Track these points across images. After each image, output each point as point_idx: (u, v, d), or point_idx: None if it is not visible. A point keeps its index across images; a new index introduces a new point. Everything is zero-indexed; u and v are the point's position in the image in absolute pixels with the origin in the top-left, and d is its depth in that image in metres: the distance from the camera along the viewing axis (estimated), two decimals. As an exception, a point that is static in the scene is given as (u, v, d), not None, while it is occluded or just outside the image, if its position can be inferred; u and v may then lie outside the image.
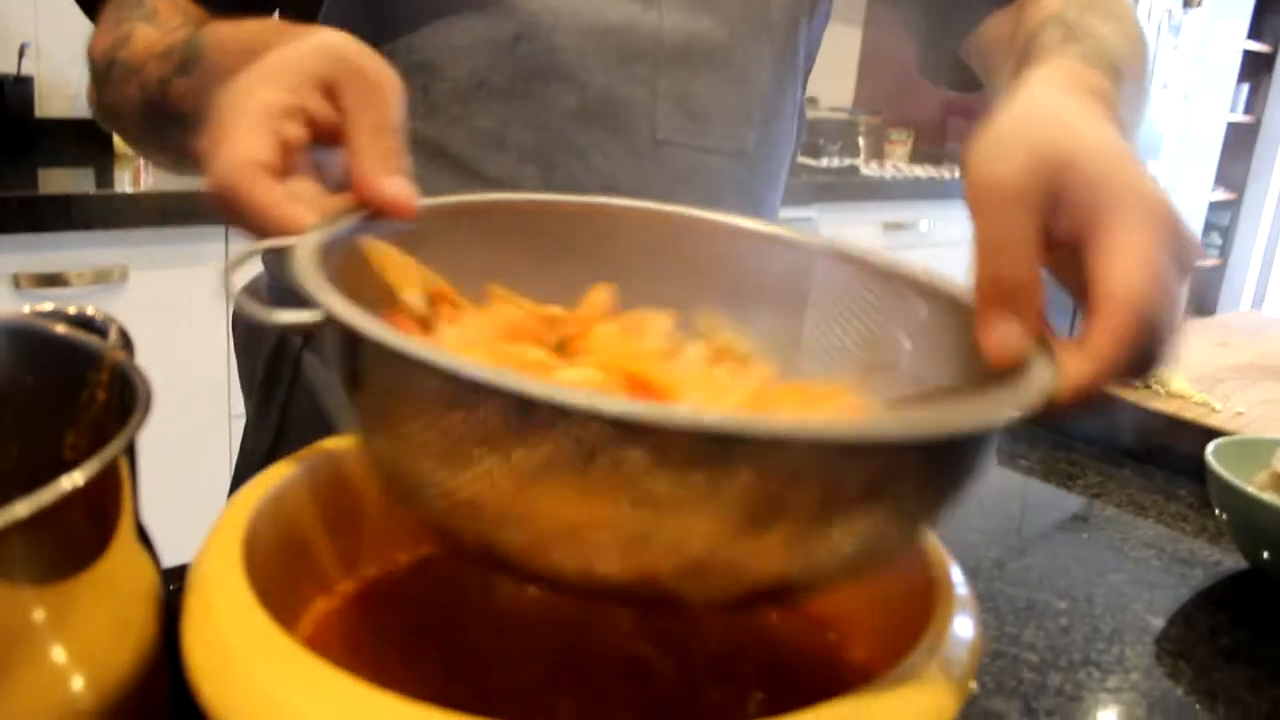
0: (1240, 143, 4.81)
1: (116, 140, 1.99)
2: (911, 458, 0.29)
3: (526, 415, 0.26)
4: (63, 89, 2.07)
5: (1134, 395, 0.83)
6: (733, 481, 0.27)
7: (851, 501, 0.29)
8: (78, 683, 0.29)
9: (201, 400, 1.77)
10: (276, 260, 0.36)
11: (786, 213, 0.77)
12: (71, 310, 0.40)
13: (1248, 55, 4.37)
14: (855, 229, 2.85)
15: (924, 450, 0.29)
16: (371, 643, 0.40)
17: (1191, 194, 4.43)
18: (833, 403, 0.39)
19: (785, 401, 0.39)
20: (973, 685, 0.47)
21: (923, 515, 0.32)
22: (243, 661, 0.29)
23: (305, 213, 0.38)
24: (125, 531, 0.30)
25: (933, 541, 0.40)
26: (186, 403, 1.76)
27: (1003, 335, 0.35)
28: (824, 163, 3.03)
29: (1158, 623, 0.56)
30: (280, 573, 0.37)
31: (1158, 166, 4.02)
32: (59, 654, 0.28)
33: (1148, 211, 0.35)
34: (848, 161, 3.10)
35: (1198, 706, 0.48)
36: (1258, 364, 0.97)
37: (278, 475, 0.40)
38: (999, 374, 0.35)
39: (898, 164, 3.16)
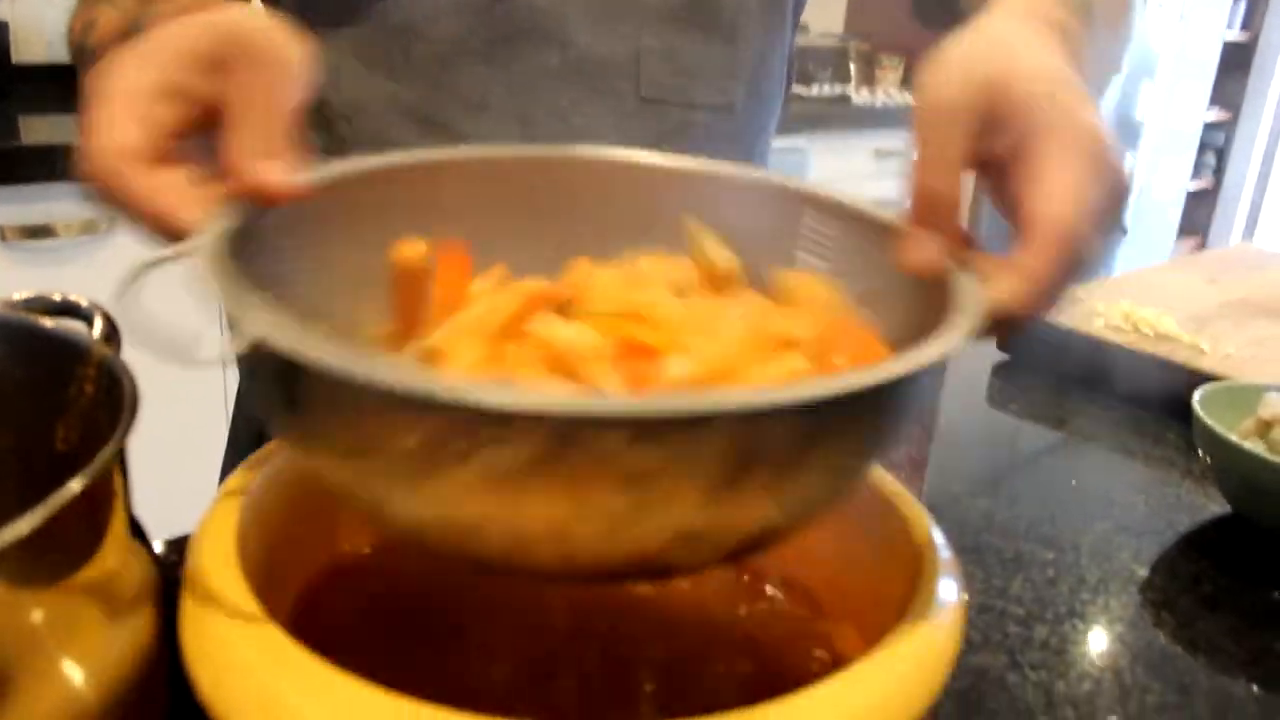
0: (1236, 62, 4.75)
1: (97, 85, 1.95)
2: (871, 400, 0.29)
3: (478, 424, 0.26)
4: (39, 33, 2.03)
5: (1125, 338, 0.83)
6: (698, 452, 0.27)
7: (814, 450, 0.29)
8: (78, 678, 0.29)
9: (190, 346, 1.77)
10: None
11: (777, 143, 0.77)
12: (58, 297, 0.40)
13: (1244, -29, 4.30)
14: (847, 157, 2.83)
15: (882, 390, 0.29)
16: (354, 619, 0.41)
17: (1186, 115, 4.39)
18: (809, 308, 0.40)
19: (773, 325, 0.39)
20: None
21: (885, 442, 0.33)
22: (238, 658, 0.29)
23: (183, 205, 0.35)
24: (119, 530, 0.30)
25: (917, 509, 0.41)
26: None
27: (922, 249, 0.37)
28: (815, 90, 3.00)
29: (1142, 571, 0.57)
30: (270, 555, 0.38)
31: (1153, 87, 3.97)
32: (60, 653, 0.29)
33: (1078, 137, 0.35)
34: (839, 89, 3.06)
35: (1180, 656, 0.50)
36: (1249, 300, 0.98)
37: (264, 461, 0.40)
38: (927, 289, 0.37)
39: (889, 90, 3.12)
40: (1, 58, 1.96)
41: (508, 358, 0.36)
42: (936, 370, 0.33)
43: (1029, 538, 0.59)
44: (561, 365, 0.35)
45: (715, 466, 0.27)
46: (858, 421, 0.30)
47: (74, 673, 0.29)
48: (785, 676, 0.39)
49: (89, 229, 1.62)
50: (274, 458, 0.40)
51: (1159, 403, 0.78)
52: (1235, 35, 4.69)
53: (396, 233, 0.40)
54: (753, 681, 0.38)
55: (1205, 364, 0.78)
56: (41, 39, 2.03)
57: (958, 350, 0.32)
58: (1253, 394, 0.67)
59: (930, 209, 0.37)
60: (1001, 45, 0.38)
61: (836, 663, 0.41)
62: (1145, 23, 3.77)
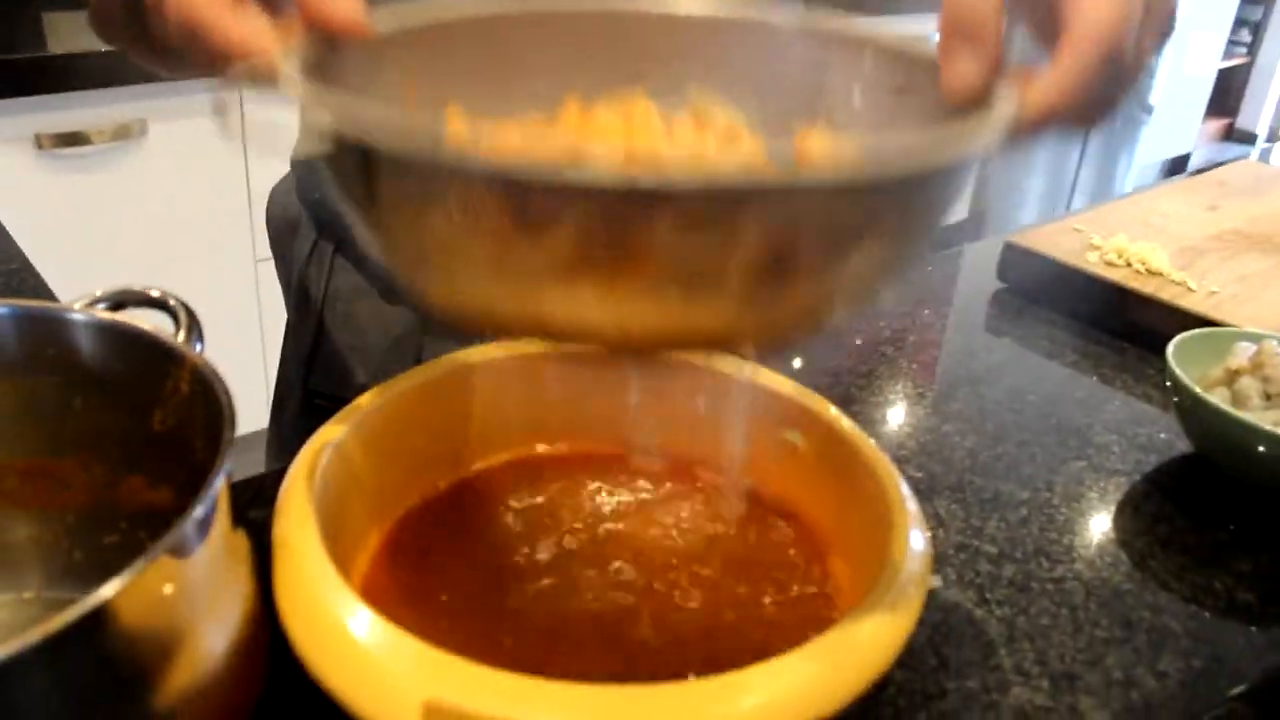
0: (1278, -69, 4.59)
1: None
2: (903, 188, 0.32)
3: (559, 190, 0.28)
4: (58, -72, 2.03)
5: (1117, 274, 0.88)
6: (744, 227, 0.30)
7: (854, 230, 0.32)
8: (217, 643, 0.36)
9: (225, 248, 1.83)
10: (307, 171, 0.37)
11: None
12: (155, 293, 0.46)
13: None
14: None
15: (911, 181, 0.32)
16: (417, 570, 0.48)
17: (1222, -12, 4.28)
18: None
19: None
20: (936, 581, 0.56)
21: (911, 244, 0.36)
22: (323, 618, 0.36)
23: (266, 32, 0.37)
24: (224, 522, 0.37)
25: (888, 469, 0.47)
26: (211, 250, 1.82)
27: (964, 67, 0.37)
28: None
29: (1108, 512, 0.63)
30: (341, 517, 0.45)
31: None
32: (202, 621, 0.35)
33: None
34: None
35: (1129, 593, 0.56)
36: (1244, 231, 1.01)
37: (332, 433, 0.47)
38: (964, 111, 0.37)
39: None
40: (23, -46, 1.97)
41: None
42: (973, 163, 0.34)
43: (1008, 478, 0.65)
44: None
45: (769, 237, 0.30)
46: (898, 199, 0.33)
47: (211, 635, 0.35)
48: (785, 604, 0.46)
49: (121, 134, 1.66)
50: (336, 431, 0.46)
51: (1144, 339, 0.83)
52: (1278, -95, 4.52)
53: (449, 87, 0.43)
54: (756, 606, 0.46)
55: (1189, 302, 0.83)
56: (60, -67, 2.03)
57: (993, 140, 0.33)
58: (1228, 339, 0.72)
59: (964, 27, 0.36)
60: None
61: (829, 593, 0.48)
62: None
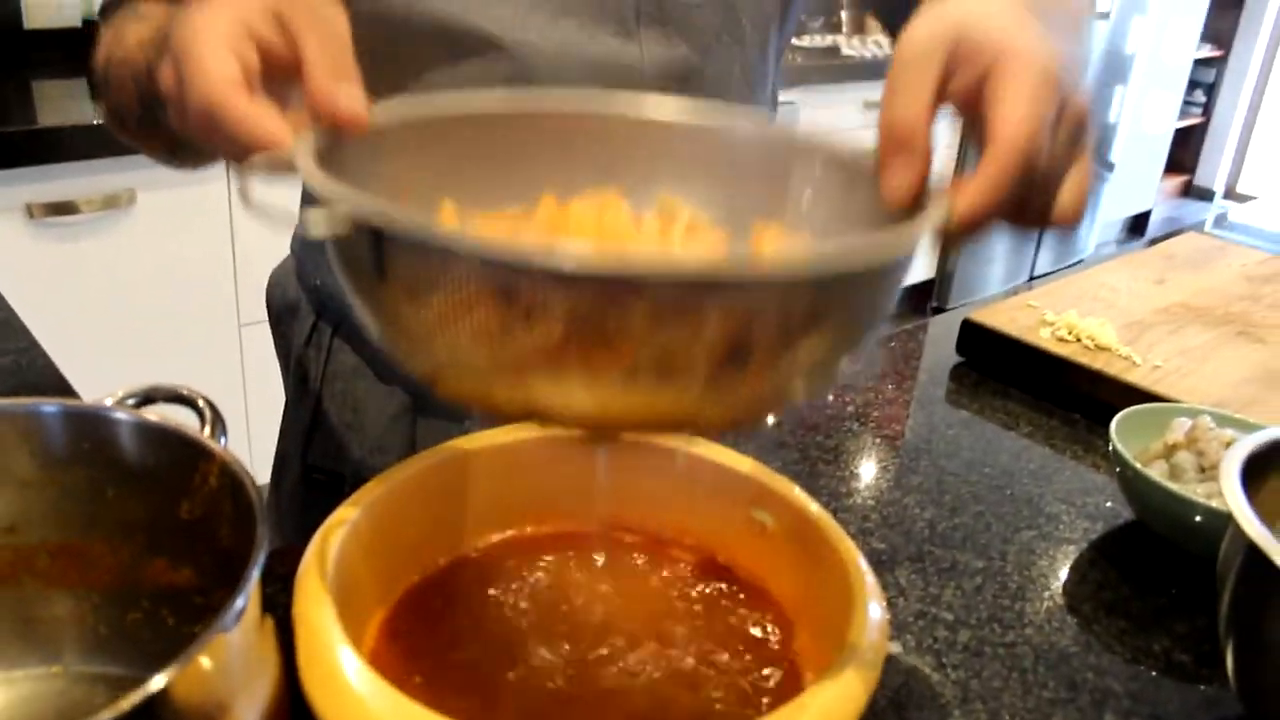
0: (1229, -3, 4.78)
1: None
2: (841, 284, 0.37)
3: (547, 280, 0.33)
4: (48, 0, 2.08)
5: (1067, 349, 0.93)
6: (701, 315, 0.34)
7: (802, 320, 0.37)
8: (250, 714, 0.40)
9: (211, 312, 1.87)
10: (309, 255, 0.42)
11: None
12: (184, 391, 0.50)
13: (1238, -90, 4.30)
14: (837, 109, 2.90)
15: (851, 278, 0.37)
16: (422, 640, 0.52)
17: (1177, 50, 4.43)
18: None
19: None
20: (895, 648, 0.60)
21: (854, 332, 0.40)
22: (342, 688, 0.40)
23: (283, 126, 0.41)
24: (255, 607, 0.41)
25: (849, 546, 0.52)
26: (197, 314, 1.85)
27: (899, 176, 0.42)
28: (805, 41, 3.05)
29: (1057, 579, 0.68)
30: (351, 594, 0.49)
31: (1144, 21, 4.01)
32: (240, 693, 0.39)
33: (1030, 66, 0.41)
34: (829, 39, 3.11)
35: (1075, 655, 0.61)
36: (1189, 304, 1.08)
37: (340, 517, 0.51)
38: (900, 215, 0.43)
39: (879, 40, 3.17)
40: (14, 25, 2.02)
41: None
42: (905, 263, 0.39)
43: (964, 547, 0.70)
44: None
45: (720, 330, 0.35)
46: (834, 295, 0.37)
47: (249, 709, 0.39)
48: (755, 690, 0.50)
49: (110, 203, 1.71)
50: (346, 516, 0.51)
51: (1093, 411, 0.89)
52: (1228, -27, 4.70)
53: (441, 177, 0.48)
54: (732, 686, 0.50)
55: (1134, 377, 0.89)
56: (51, 5, 2.08)
57: (918, 242, 0.39)
58: (1167, 414, 0.78)
59: (900, 140, 0.41)
60: (968, 4, 0.44)
61: (797, 664, 0.53)
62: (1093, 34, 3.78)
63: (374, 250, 0.36)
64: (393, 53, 0.70)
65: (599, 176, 0.52)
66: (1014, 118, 0.40)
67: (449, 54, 0.69)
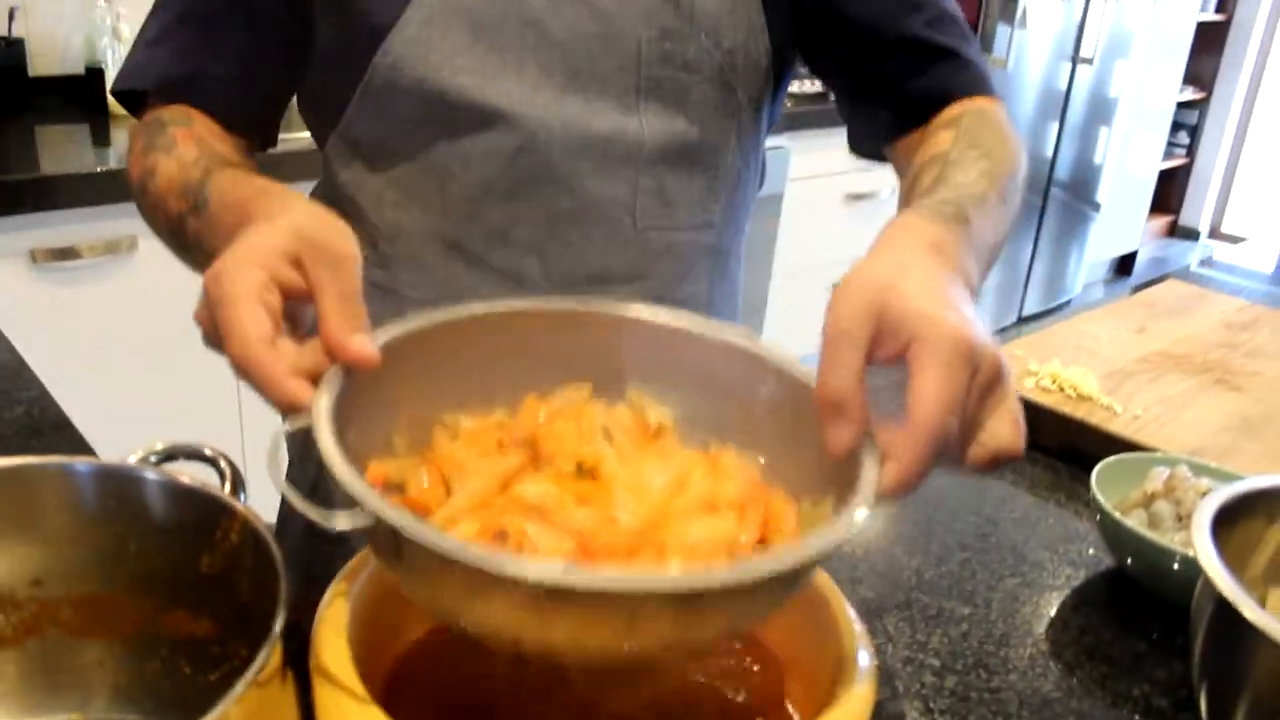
0: (1210, 41, 4.86)
1: (111, 101, 2.05)
2: (775, 581, 0.43)
3: (508, 581, 0.39)
4: (52, 48, 2.13)
5: (1050, 399, 0.96)
6: (650, 614, 0.41)
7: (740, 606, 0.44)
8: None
9: (209, 360, 1.89)
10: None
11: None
12: (208, 451, 0.53)
13: (1218, -43, 4.39)
14: (826, 154, 2.95)
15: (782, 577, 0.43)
16: (430, 687, 0.54)
17: (1160, 93, 4.51)
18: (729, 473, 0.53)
19: (697, 484, 0.52)
20: (884, 694, 0.62)
21: (786, 594, 0.47)
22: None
23: (303, 389, 0.47)
24: (277, 659, 0.43)
25: (838, 595, 0.54)
26: (197, 360, 1.87)
27: (835, 436, 0.47)
28: (795, 87, 3.10)
29: (1040, 625, 0.71)
30: (365, 647, 0.51)
31: (1127, 65, 4.08)
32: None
33: (940, 343, 0.46)
34: (818, 85, 3.17)
35: (1057, 700, 0.63)
36: (1169, 352, 1.11)
37: (352, 576, 0.53)
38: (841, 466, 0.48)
39: (869, 86, 3.23)
40: (19, 72, 2.05)
41: (497, 506, 0.49)
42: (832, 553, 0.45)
43: (950, 595, 0.73)
44: (536, 512, 0.49)
45: (664, 616, 0.41)
46: (772, 583, 0.43)
47: None
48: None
49: (112, 249, 1.73)
50: (357, 574, 0.53)
51: (1075, 459, 0.92)
52: (1210, 15, 4.80)
53: (442, 385, 0.54)
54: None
55: (1115, 426, 0.92)
56: (55, 53, 2.12)
57: (848, 534, 0.45)
58: (1146, 464, 0.80)
59: (835, 406, 0.47)
60: (892, 272, 0.49)
61: (782, 708, 0.55)
62: (1120, 2, 3.86)
63: (392, 538, 0.42)
64: (406, 125, 0.73)
65: (575, 375, 0.57)
66: (928, 399, 0.45)
67: (460, 126, 0.72)
